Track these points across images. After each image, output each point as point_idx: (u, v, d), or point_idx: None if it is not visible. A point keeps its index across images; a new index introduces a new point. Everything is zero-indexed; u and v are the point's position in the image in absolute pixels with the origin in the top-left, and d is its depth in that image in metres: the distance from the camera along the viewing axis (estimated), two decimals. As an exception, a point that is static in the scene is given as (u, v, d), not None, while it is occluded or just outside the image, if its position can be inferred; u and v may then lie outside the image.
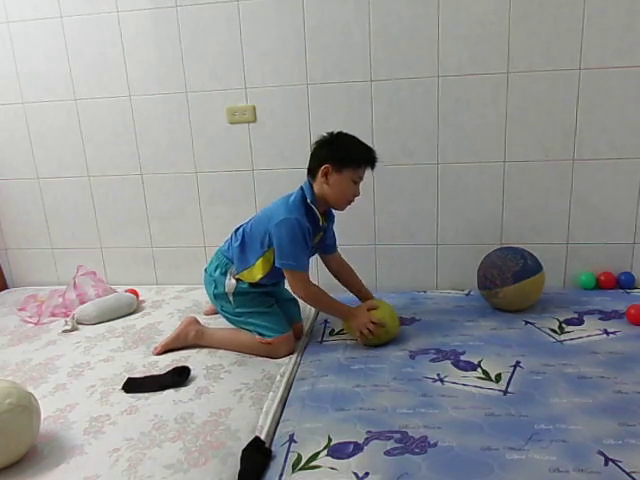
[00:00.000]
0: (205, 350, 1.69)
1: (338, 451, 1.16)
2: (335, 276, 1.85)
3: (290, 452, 1.18)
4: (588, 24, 1.85)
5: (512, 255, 1.83)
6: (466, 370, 1.48)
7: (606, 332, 1.67)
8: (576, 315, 1.80)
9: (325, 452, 1.16)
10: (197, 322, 1.75)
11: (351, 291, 1.85)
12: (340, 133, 1.65)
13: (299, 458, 1.15)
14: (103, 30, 2.12)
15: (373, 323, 1.61)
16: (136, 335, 1.85)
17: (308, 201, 1.60)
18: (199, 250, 2.33)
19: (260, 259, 1.62)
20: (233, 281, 1.67)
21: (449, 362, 1.53)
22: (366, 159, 1.62)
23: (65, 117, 2.25)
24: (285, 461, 1.15)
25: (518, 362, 1.50)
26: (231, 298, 1.68)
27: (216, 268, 1.71)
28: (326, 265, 1.85)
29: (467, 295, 2.07)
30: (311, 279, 1.65)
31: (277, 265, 1.60)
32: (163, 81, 2.14)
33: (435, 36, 1.93)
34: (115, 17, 2.10)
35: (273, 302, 1.73)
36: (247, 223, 1.71)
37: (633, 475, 1.04)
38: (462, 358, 1.55)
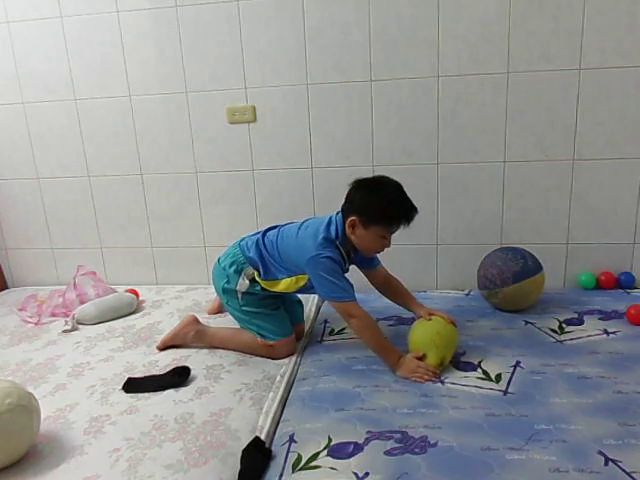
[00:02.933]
0: (205, 350, 1.69)
1: (338, 451, 1.16)
2: (381, 292, 1.76)
3: (290, 452, 1.18)
4: (588, 24, 1.85)
5: (512, 255, 1.83)
6: (466, 370, 1.48)
7: (606, 332, 1.67)
8: (576, 315, 1.80)
9: (325, 452, 1.16)
10: (197, 322, 1.74)
11: (401, 306, 1.74)
12: (382, 181, 1.53)
13: (299, 458, 1.15)
14: (103, 30, 2.12)
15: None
16: (136, 335, 1.85)
17: (337, 242, 1.53)
18: (199, 250, 2.33)
19: (287, 279, 1.59)
20: (246, 282, 1.63)
21: (449, 365, 1.52)
22: (400, 221, 1.49)
23: (65, 117, 2.25)
24: (285, 461, 1.15)
25: (518, 362, 1.50)
26: (239, 296, 1.65)
27: (231, 264, 1.65)
28: (370, 282, 1.75)
29: (467, 295, 2.07)
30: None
31: (323, 297, 1.58)
32: (163, 81, 2.14)
33: (435, 36, 1.93)
34: (115, 17, 2.10)
35: (280, 304, 1.71)
36: (277, 232, 1.64)
37: (633, 475, 1.04)
38: (462, 358, 1.55)
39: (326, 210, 2.10)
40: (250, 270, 1.63)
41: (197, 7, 2.03)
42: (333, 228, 1.54)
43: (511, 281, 1.78)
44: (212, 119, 2.15)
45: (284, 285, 1.60)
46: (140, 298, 2.18)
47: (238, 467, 1.15)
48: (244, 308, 1.66)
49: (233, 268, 1.65)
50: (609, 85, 1.90)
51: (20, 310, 2.15)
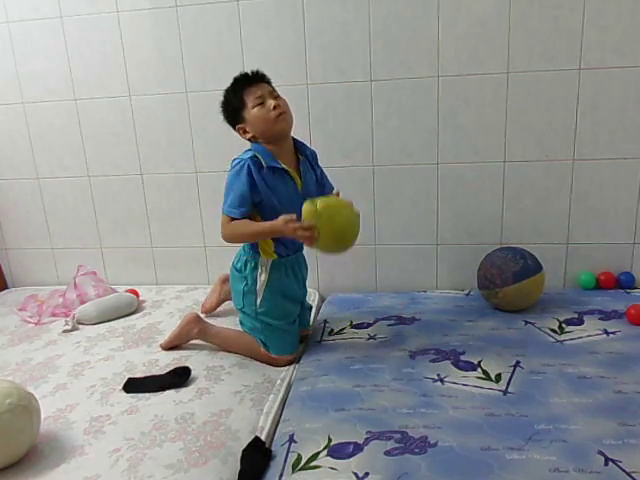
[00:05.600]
0: (206, 351, 1.69)
1: (338, 451, 1.16)
2: None
3: (290, 452, 1.18)
4: (588, 24, 1.85)
5: (512, 255, 1.83)
6: (466, 370, 1.48)
7: (606, 332, 1.67)
8: (576, 315, 1.80)
9: (325, 452, 1.16)
10: (199, 319, 1.72)
11: None
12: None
13: (299, 458, 1.15)
14: (103, 30, 2.12)
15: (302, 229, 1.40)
16: (136, 335, 1.85)
17: (253, 153, 1.54)
18: (199, 250, 2.33)
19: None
20: (264, 276, 1.60)
21: (449, 362, 1.53)
22: (239, 90, 1.55)
23: (65, 117, 2.25)
24: (285, 461, 1.15)
25: (518, 362, 1.50)
26: (259, 299, 1.61)
27: (246, 263, 1.63)
28: None
29: (467, 295, 2.07)
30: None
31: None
32: (163, 81, 2.14)
33: (435, 36, 1.93)
34: (115, 17, 2.09)
35: (296, 316, 1.69)
36: None
37: (633, 475, 1.04)
38: (462, 358, 1.55)
39: (326, 210, 2.10)
40: (264, 260, 1.60)
41: (197, 7, 2.03)
42: (248, 152, 1.57)
43: (511, 281, 1.78)
44: (212, 119, 2.14)
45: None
46: (140, 298, 2.18)
47: (238, 467, 1.15)
48: (261, 317, 1.62)
49: (249, 266, 1.62)
50: (609, 85, 1.89)
51: (20, 310, 2.15)
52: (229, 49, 2.06)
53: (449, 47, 1.93)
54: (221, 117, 2.18)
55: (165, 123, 2.19)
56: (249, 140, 1.60)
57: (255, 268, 1.62)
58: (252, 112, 1.54)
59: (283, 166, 1.56)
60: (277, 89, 2.07)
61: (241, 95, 1.54)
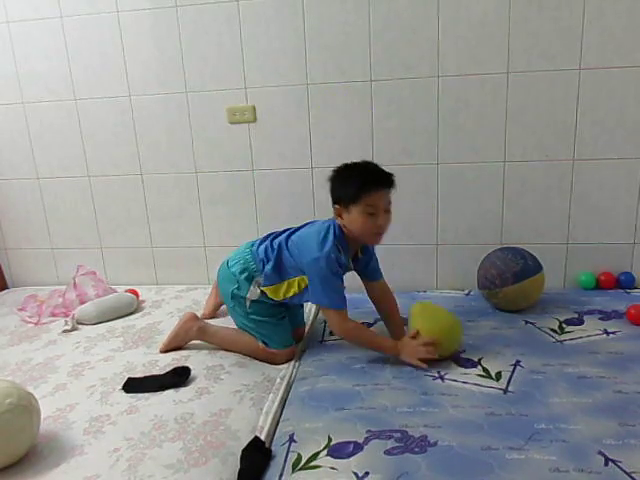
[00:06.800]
0: (205, 350, 1.69)
1: (338, 451, 1.16)
2: (375, 304, 1.74)
3: (290, 452, 1.18)
4: (588, 24, 1.85)
5: (512, 255, 1.83)
6: (466, 367, 1.48)
7: (606, 332, 1.67)
8: (576, 315, 1.80)
9: (325, 452, 1.16)
10: (197, 318, 1.72)
11: (386, 324, 1.73)
12: (342, 167, 1.55)
13: (299, 458, 1.15)
14: (103, 30, 2.12)
15: (426, 345, 1.49)
16: (136, 335, 1.85)
17: (335, 241, 1.52)
18: (199, 250, 2.33)
19: (288, 281, 1.59)
20: (258, 290, 1.61)
21: (449, 360, 1.52)
22: (366, 188, 1.47)
23: (65, 117, 2.25)
24: (285, 461, 1.15)
25: (518, 361, 1.50)
26: (248, 303, 1.63)
27: (243, 271, 1.62)
28: (368, 292, 1.73)
29: (467, 295, 2.07)
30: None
31: (311, 301, 1.59)
32: (163, 81, 2.14)
33: (435, 36, 1.93)
34: (115, 17, 2.10)
35: (285, 313, 1.69)
36: (285, 235, 1.63)
37: (633, 475, 1.04)
38: (462, 356, 1.55)
39: (326, 210, 2.10)
40: (260, 279, 1.61)
41: (197, 7, 2.03)
42: (332, 228, 1.55)
43: (511, 281, 1.78)
44: (212, 119, 2.15)
45: (284, 289, 1.59)
46: (140, 298, 2.18)
47: (238, 467, 1.15)
48: (251, 316, 1.65)
49: (244, 275, 1.62)
50: (609, 85, 1.90)
51: (20, 310, 2.15)
52: (229, 49, 2.06)
53: (449, 47, 1.94)
54: (221, 117, 2.19)
55: (165, 123, 2.19)
56: (337, 217, 1.54)
57: (248, 280, 1.62)
58: (359, 215, 1.49)
59: (348, 264, 1.60)
60: (277, 89, 2.09)
61: (361, 194, 1.47)
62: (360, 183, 1.48)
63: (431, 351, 1.48)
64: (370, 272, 1.70)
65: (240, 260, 1.65)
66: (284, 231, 1.67)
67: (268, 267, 1.59)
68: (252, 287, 1.62)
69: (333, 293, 1.52)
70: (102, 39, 2.13)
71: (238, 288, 1.64)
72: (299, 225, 1.67)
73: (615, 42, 1.85)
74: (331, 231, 1.54)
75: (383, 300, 1.73)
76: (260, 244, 1.65)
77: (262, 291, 1.62)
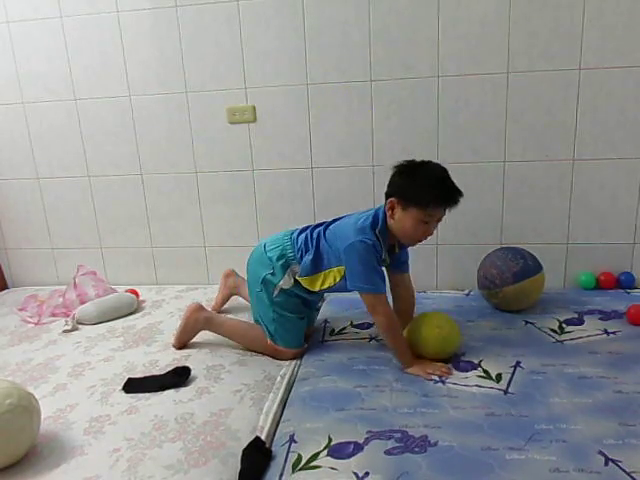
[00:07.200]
0: (206, 349, 1.69)
1: (338, 451, 1.16)
2: (395, 299, 1.71)
3: (290, 452, 1.18)
4: (588, 24, 1.85)
5: (512, 255, 1.83)
6: (466, 370, 1.48)
7: (606, 332, 1.67)
8: (576, 315, 1.80)
9: (325, 452, 1.16)
10: (202, 308, 1.71)
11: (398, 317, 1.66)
12: (423, 164, 1.50)
13: (299, 458, 1.15)
14: (103, 30, 2.12)
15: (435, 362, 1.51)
16: (136, 335, 1.85)
17: (376, 230, 1.50)
18: (199, 250, 2.33)
19: (325, 272, 1.57)
20: (291, 280, 1.60)
21: (450, 363, 1.52)
22: (438, 202, 1.45)
23: (65, 117, 2.25)
24: (285, 461, 1.15)
25: (518, 362, 1.50)
26: (276, 291, 1.61)
27: (280, 257, 1.60)
28: (392, 285, 1.70)
29: (467, 295, 2.07)
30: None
31: (350, 288, 1.54)
32: (163, 81, 2.14)
33: (435, 36, 1.93)
34: (115, 17, 2.09)
35: (305, 314, 1.69)
36: (324, 226, 1.62)
37: (633, 475, 1.04)
38: (462, 358, 1.55)
39: (326, 210, 2.11)
40: (297, 268, 1.60)
41: (197, 7, 2.03)
42: (375, 217, 1.52)
43: (511, 281, 1.78)
44: (212, 119, 2.15)
45: (321, 280, 1.58)
46: (140, 298, 2.18)
47: (238, 467, 1.15)
48: (275, 307, 1.62)
49: (281, 262, 1.60)
50: (609, 85, 1.90)
51: (20, 310, 2.15)
52: (229, 49, 2.06)
53: (449, 47, 1.93)
54: (221, 117, 2.19)
55: (165, 123, 2.19)
56: (386, 210, 1.51)
57: (284, 268, 1.60)
58: (414, 219, 1.46)
59: (385, 257, 1.56)
60: (277, 89, 2.09)
61: (431, 204, 1.45)
62: (436, 195, 1.45)
63: (445, 372, 1.47)
64: (401, 264, 1.68)
65: (279, 246, 1.63)
66: (322, 223, 1.66)
67: (307, 258, 1.58)
68: (287, 275, 1.60)
69: (374, 277, 1.49)
70: (102, 39, 2.13)
71: (273, 274, 1.61)
72: (337, 217, 1.66)
73: (615, 42, 1.85)
74: (371, 219, 1.52)
75: (404, 295, 1.71)
76: (300, 233, 1.64)
77: (296, 280, 1.60)
